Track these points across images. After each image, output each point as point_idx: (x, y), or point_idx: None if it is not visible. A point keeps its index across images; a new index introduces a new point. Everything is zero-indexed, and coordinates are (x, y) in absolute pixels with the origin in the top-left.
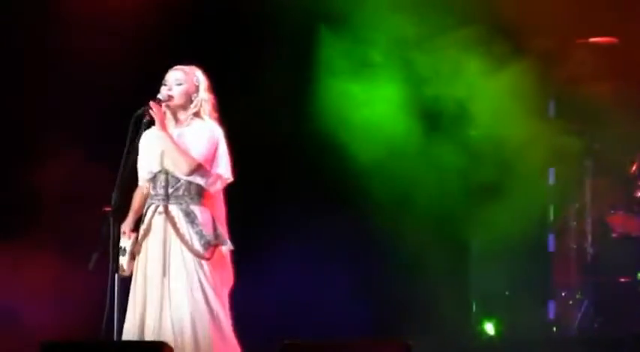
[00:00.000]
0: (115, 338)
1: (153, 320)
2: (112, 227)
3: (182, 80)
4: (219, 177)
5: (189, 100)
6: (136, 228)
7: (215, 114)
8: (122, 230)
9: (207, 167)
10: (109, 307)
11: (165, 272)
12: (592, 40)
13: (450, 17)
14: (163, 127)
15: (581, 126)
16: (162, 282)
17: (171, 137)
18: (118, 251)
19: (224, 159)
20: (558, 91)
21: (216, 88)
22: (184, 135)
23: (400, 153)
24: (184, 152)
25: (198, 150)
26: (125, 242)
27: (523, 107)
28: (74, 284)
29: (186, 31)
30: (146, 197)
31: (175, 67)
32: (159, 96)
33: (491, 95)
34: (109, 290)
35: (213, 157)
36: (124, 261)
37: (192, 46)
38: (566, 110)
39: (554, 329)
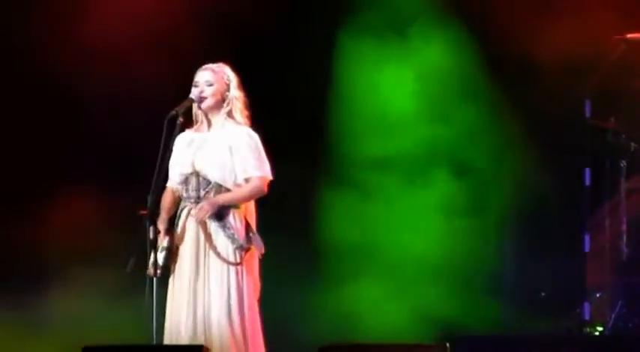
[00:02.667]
0: (154, 340)
1: (185, 323)
2: (148, 230)
3: (212, 80)
4: (264, 179)
5: (221, 100)
6: (170, 228)
7: (247, 112)
8: (157, 229)
9: (262, 173)
10: (148, 310)
11: (196, 275)
12: (629, 36)
13: None
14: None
15: (618, 125)
16: (194, 286)
17: (229, 197)
18: (155, 253)
19: (266, 161)
20: (594, 91)
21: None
22: (222, 142)
23: None
24: (243, 190)
25: (250, 161)
26: (161, 241)
27: None
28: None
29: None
30: (177, 197)
31: (204, 67)
32: (191, 96)
33: None
34: (147, 293)
35: (262, 162)
36: (161, 259)
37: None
38: (603, 110)
39: (589, 329)
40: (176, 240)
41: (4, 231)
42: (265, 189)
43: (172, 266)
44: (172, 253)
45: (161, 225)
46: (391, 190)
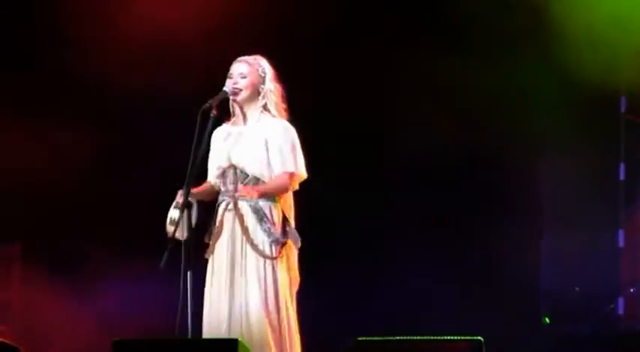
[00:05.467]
0: (189, 335)
1: (223, 316)
2: (181, 223)
3: (247, 73)
4: (296, 176)
5: (256, 92)
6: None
7: (284, 105)
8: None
9: (293, 170)
10: (182, 304)
11: (233, 269)
12: None
13: None
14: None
15: None
16: (231, 279)
17: (263, 189)
18: (190, 248)
19: (300, 157)
20: (630, 86)
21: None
22: (258, 135)
23: None
24: (274, 181)
25: (283, 156)
26: (178, 198)
27: None
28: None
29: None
30: (215, 190)
31: (239, 59)
32: (225, 88)
33: None
34: (181, 287)
35: (294, 159)
36: (175, 214)
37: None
38: (638, 105)
39: (623, 324)
40: (213, 235)
41: None
42: (290, 185)
43: (209, 262)
44: (210, 249)
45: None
46: None
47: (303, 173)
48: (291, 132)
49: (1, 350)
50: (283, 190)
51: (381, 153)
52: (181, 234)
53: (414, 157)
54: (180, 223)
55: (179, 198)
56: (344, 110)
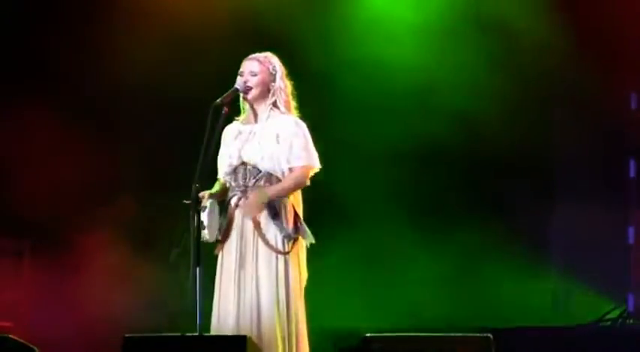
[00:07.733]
0: (197, 331)
1: (233, 310)
2: (192, 219)
3: (257, 70)
4: (310, 169)
5: (266, 90)
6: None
7: (293, 103)
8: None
9: (307, 163)
10: (192, 300)
11: (243, 264)
12: None
13: None
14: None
15: None
16: (241, 274)
17: (276, 190)
18: (199, 244)
19: (313, 150)
20: None
21: None
22: (269, 131)
23: None
24: (288, 181)
25: (295, 150)
26: (205, 202)
27: None
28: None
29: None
30: (226, 188)
31: (250, 57)
32: (236, 85)
33: None
34: (191, 284)
35: (307, 152)
36: (204, 217)
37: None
38: None
39: (632, 321)
40: (223, 230)
41: None
42: (306, 180)
43: (219, 258)
44: (221, 244)
45: (206, 192)
46: None
47: (316, 165)
48: (302, 127)
49: (19, 350)
50: (300, 184)
51: None
52: (199, 233)
53: None
54: (196, 222)
55: (204, 202)
56: None
